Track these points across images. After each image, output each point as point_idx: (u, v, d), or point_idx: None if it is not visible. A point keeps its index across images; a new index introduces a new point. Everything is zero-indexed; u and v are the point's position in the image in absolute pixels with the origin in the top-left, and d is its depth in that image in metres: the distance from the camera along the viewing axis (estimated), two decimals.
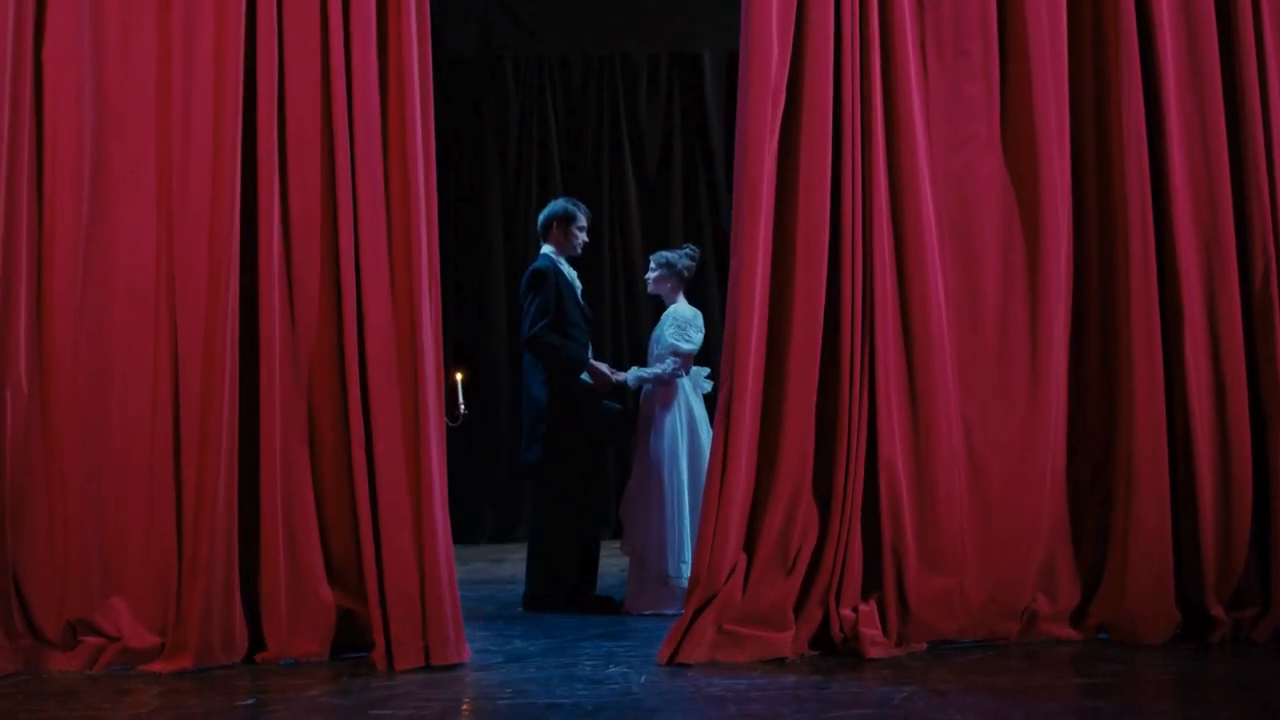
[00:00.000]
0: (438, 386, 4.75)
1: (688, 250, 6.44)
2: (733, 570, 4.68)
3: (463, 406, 8.98)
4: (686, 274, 6.36)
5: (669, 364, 6.15)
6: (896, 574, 4.76)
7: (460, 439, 10.04)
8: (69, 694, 4.41)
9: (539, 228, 6.53)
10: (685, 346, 6.18)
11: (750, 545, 4.74)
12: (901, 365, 4.85)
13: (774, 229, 4.79)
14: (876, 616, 4.73)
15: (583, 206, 6.55)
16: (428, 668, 4.62)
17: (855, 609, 4.74)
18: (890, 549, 4.75)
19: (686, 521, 5.96)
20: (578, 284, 6.47)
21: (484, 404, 10.28)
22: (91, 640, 4.75)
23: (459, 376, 9.15)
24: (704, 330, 6.34)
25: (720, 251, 10.62)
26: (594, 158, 10.72)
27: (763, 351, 4.76)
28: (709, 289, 10.39)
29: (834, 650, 4.72)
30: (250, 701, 4.22)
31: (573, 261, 6.49)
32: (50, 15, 4.85)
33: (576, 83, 10.76)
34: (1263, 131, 4.97)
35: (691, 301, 6.46)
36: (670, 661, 4.63)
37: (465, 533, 10.25)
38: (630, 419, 6.34)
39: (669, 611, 5.91)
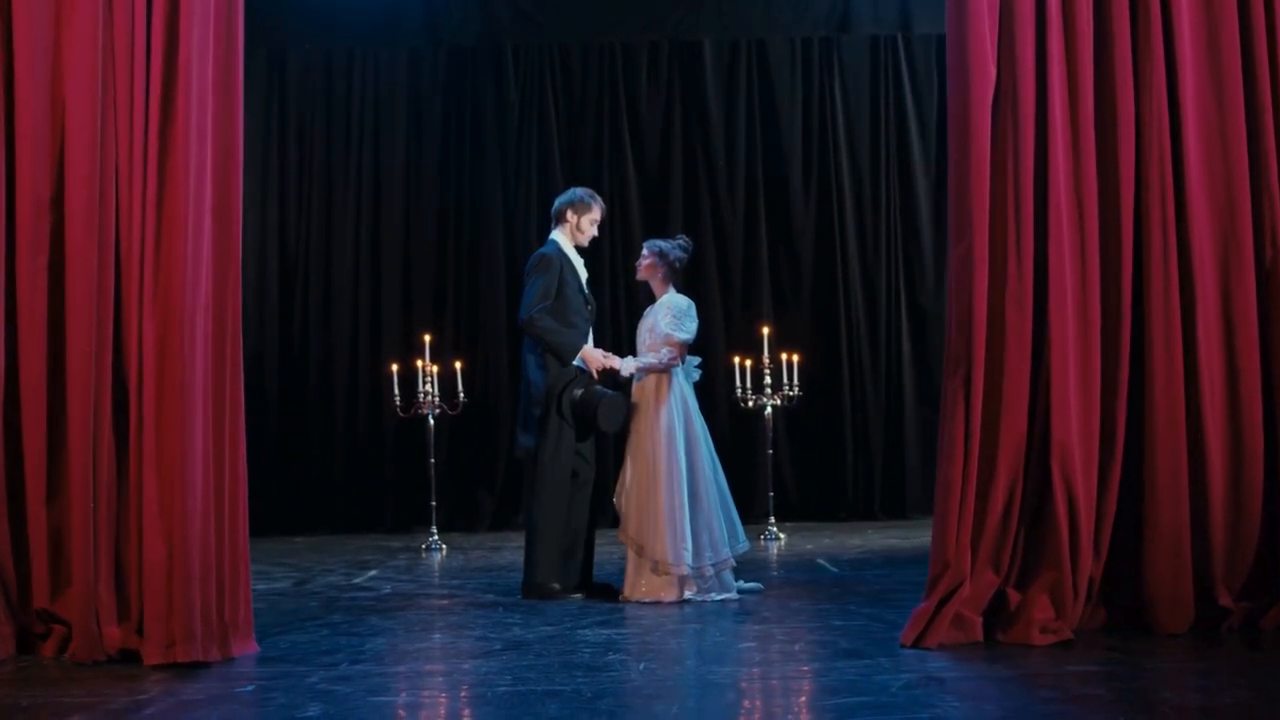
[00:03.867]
0: (216, 383, 4.73)
1: (680, 241, 6.41)
2: (970, 555, 4.75)
3: (461, 395, 9.01)
4: (677, 265, 6.33)
5: (665, 353, 6.14)
6: (1073, 561, 4.75)
7: (459, 427, 10.15)
8: (68, 680, 4.42)
9: (552, 212, 6.51)
10: (681, 336, 6.16)
11: (978, 531, 4.78)
12: (1078, 344, 4.85)
13: (990, 214, 4.84)
14: (1049, 601, 4.73)
15: (599, 200, 6.52)
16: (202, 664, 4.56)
17: (1025, 594, 4.75)
18: (1066, 536, 4.74)
19: (687, 509, 5.96)
20: (584, 273, 6.45)
21: (483, 393, 10.30)
22: (58, 629, 4.76)
23: (458, 366, 9.17)
24: (698, 320, 6.31)
25: (720, 242, 10.64)
26: (594, 146, 10.72)
27: (984, 335, 4.80)
28: (708, 278, 10.39)
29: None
30: (249, 688, 4.23)
31: (577, 250, 6.48)
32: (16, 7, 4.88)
33: (577, 71, 10.76)
34: (1273, 120, 4.95)
35: (688, 291, 6.44)
36: (915, 645, 4.64)
37: (464, 521, 10.29)
38: (626, 405, 6.29)
39: (668, 599, 5.92)
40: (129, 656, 4.64)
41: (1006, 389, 4.78)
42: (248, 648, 4.81)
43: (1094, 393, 4.84)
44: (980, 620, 4.73)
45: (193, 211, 4.70)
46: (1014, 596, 4.74)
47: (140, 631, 4.63)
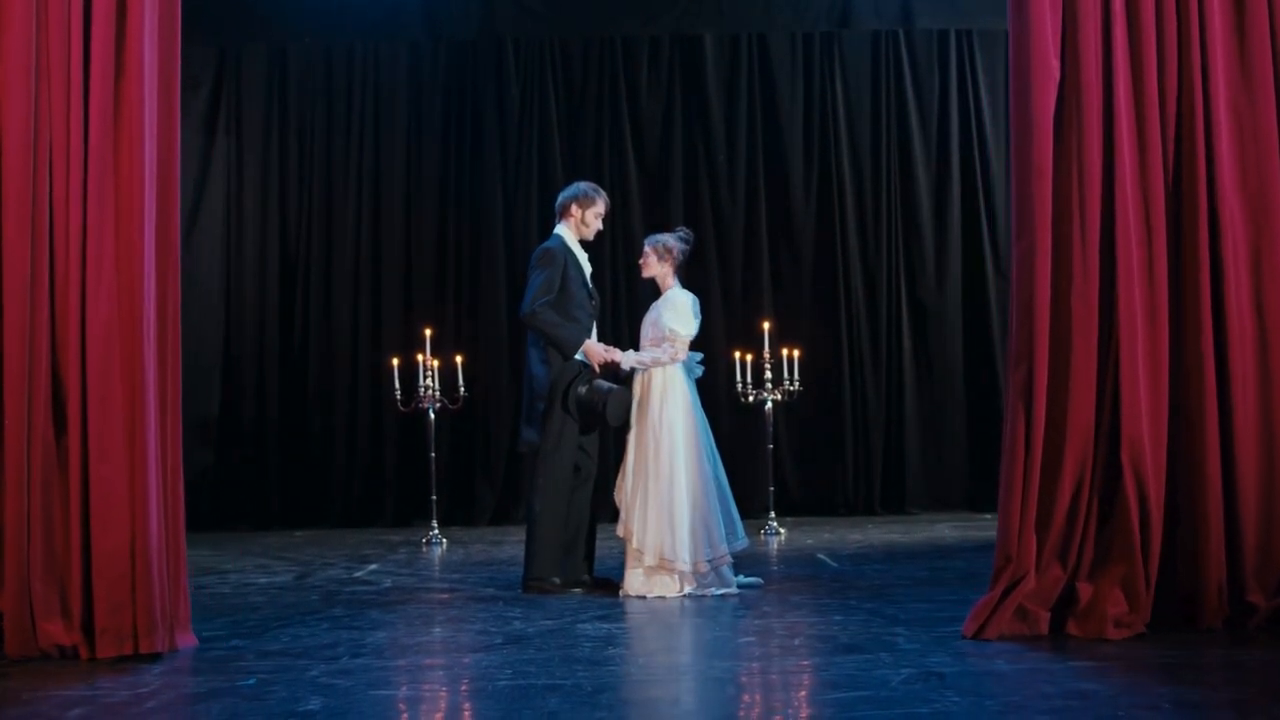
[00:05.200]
0: (159, 376, 4.76)
1: (681, 233, 6.41)
2: (1035, 549, 4.77)
3: (462, 389, 9.02)
4: (681, 256, 6.34)
5: (666, 348, 6.15)
6: (1144, 555, 4.74)
7: (460, 421, 10.16)
8: (68, 674, 4.42)
9: (556, 207, 6.51)
10: (684, 331, 6.17)
11: (1043, 524, 4.80)
12: (1147, 339, 4.85)
13: (1052, 210, 4.86)
14: (1123, 596, 4.72)
15: (603, 194, 6.52)
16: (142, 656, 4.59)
17: (1096, 588, 4.75)
18: (1138, 530, 4.74)
19: (685, 505, 5.96)
20: (588, 267, 6.45)
21: (483, 387, 10.30)
22: (8, 625, 4.73)
23: (459, 360, 9.18)
24: (701, 315, 6.31)
25: (720, 237, 10.64)
26: (594, 141, 10.72)
27: (1047, 331, 4.82)
28: (708, 273, 10.40)
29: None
30: (250, 682, 4.24)
31: (582, 244, 6.48)
32: None
33: (577, 66, 10.75)
34: None
35: (688, 285, 6.44)
36: (975, 636, 4.69)
37: (465, 515, 10.30)
38: (628, 399, 6.29)
39: (668, 594, 5.92)
40: (65, 654, 4.61)
41: (1073, 383, 4.79)
42: (188, 640, 4.83)
43: (1163, 387, 4.84)
44: (1047, 614, 4.74)
45: (147, 201, 4.72)
46: (1085, 590, 4.74)
47: (87, 627, 4.62)
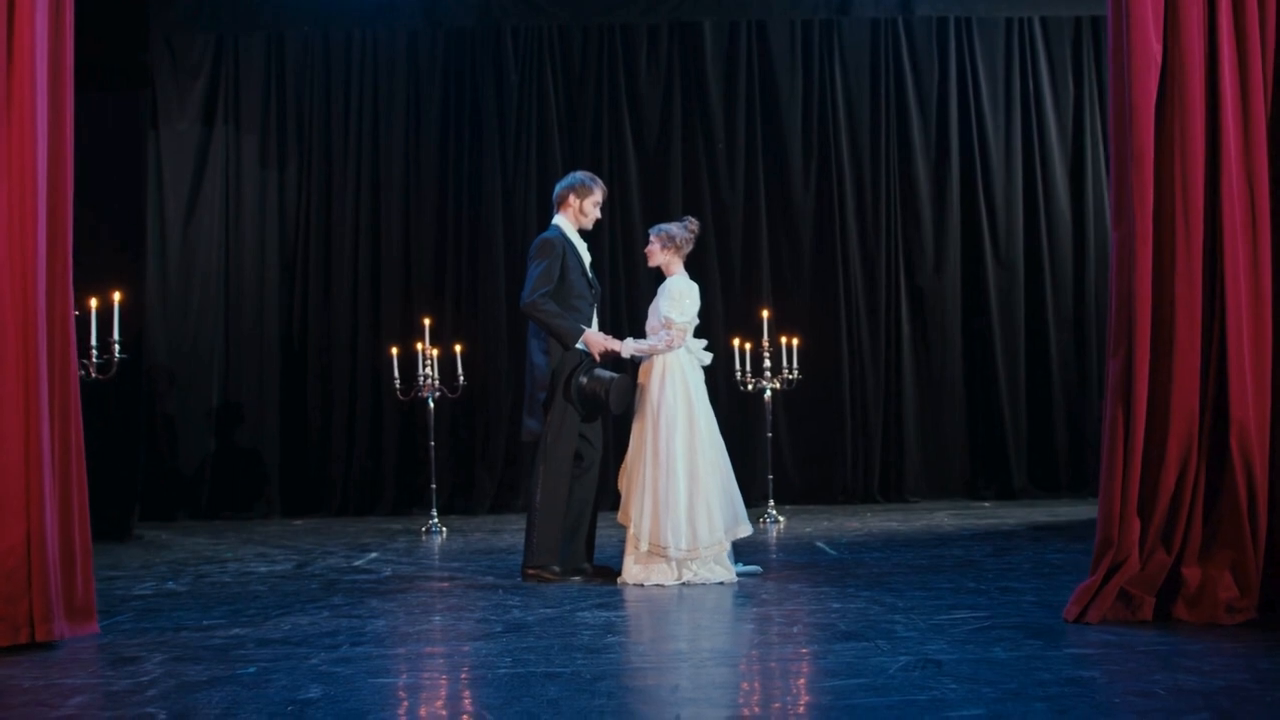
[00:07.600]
0: (51, 376, 4.77)
1: (685, 222, 6.43)
2: (1138, 534, 4.78)
3: (461, 378, 9.03)
4: (686, 245, 6.35)
5: (663, 335, 6.16)
6: (1253, 539, 4.72)
7: (459, 410, 10.17)
8: (69, 663, 4.45)
9: (554, 197, 6.52)
10: (679, 319, 6.18)
11: (1145, 509, 4.80)
12: (1252, 322, 4.82)
13: (1154, 196, 4.85)
14: (1233, 580, 4.72)
15: (600, 182, 6.53)
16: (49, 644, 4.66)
17: (1205, 572, 4.75)
18: (1246, 514, 4.73)
19: (681, 493, 5.97)
20: (587, 256, 6.46)
21: (482, 375, 10.32)
22: None
23: (458, 349, 9.19)
24: (700, 303, 6.32)
25: (719, 225, 10.64)
26: (593, 129, 10.71)
27: (1148, 317, 4.81)
28: (708, 261, 10.41)
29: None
30: (251, 670, 4.26)
31: (580, 234, 6.49)
32: None
33: (576, 53, 10.74)
34: None
35: (690, 274, 6.45)
36: (1078, 620, 4.72)
37: (464, 503, 10.32)
38: (631, 387, 6.32)
39: (667, 582, 5.94)
40: None
41: (1176, 369, 4.78)
42: (91, 628, 4.88)
43: (1265, 370, 4.82)
44: (1152, 599, 4.74)
45: (40, 200, 4.71)
46: (1193, 575, 4.74)
47: None
